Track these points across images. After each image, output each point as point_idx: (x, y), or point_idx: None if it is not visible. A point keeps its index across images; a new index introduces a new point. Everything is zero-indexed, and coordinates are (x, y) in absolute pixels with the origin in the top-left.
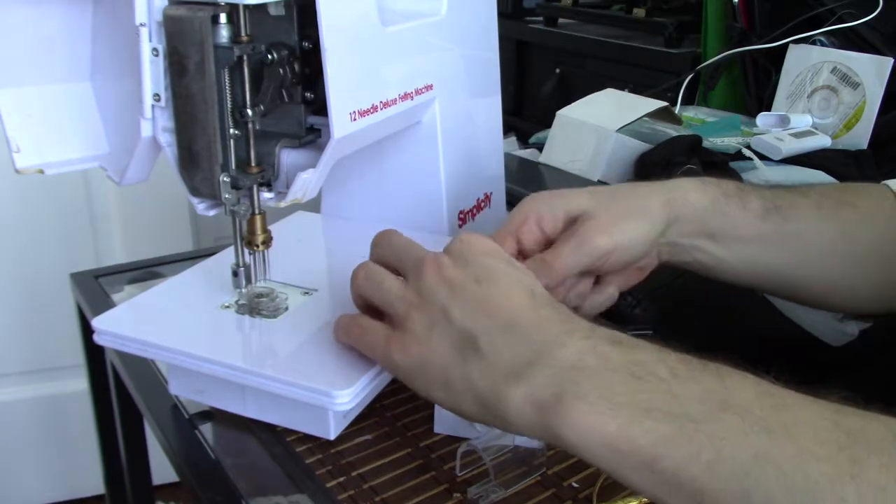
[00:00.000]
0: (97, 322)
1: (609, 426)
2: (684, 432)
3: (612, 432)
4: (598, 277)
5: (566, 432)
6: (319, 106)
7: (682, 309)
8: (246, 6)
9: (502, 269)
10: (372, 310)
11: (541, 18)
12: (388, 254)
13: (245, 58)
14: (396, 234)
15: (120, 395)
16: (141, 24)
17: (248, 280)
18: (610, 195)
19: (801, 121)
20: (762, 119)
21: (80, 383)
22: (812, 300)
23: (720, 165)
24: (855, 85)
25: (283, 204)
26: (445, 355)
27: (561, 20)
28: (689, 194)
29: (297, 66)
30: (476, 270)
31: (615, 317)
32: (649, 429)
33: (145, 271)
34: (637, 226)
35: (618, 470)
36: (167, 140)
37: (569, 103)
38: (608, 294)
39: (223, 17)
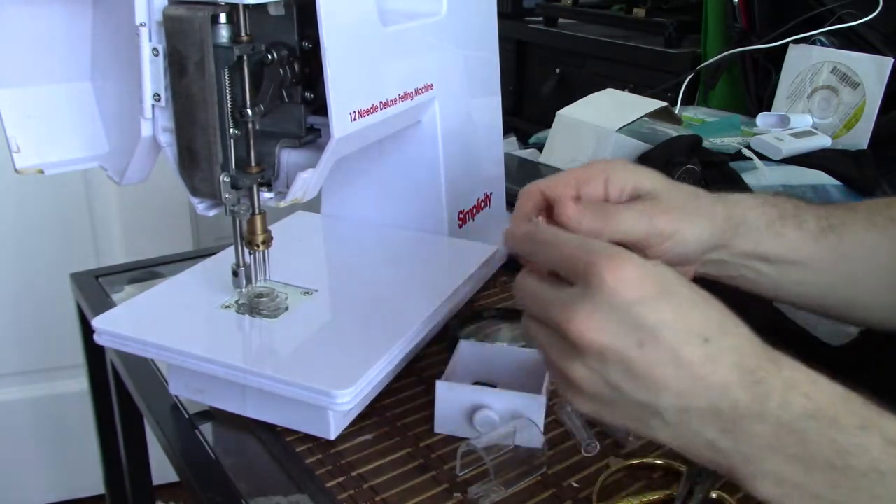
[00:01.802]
0: (97, 322)
1: None
2: None
3: None
4: None
5: (758, 493)
6: (319, 106)
7: None
8: (246, 6)
9: (661, 321)
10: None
11: (541, 18)
12: (525, 301)
13: (245, 58)
14: (528, 281)
15: (120, 395)
16: (141, 24)
17: (249, 280)
18: (679, 188)
19: (801, 121)
20: (762, 119)
21: (80, 383)
22: (858, 318)
23: (720, 165)
24: (855, 85)
25: (283, 204)
26: (629, 421)
27: (561, 20)
28: (749, 213)
29: (297, 66)
30: (632, 331)
31: None
32: None
33: (145, 271)
34: (700, 224)
35: None
36: (167, 140)
37: (569, 103)
38: None
39: (223, 17)
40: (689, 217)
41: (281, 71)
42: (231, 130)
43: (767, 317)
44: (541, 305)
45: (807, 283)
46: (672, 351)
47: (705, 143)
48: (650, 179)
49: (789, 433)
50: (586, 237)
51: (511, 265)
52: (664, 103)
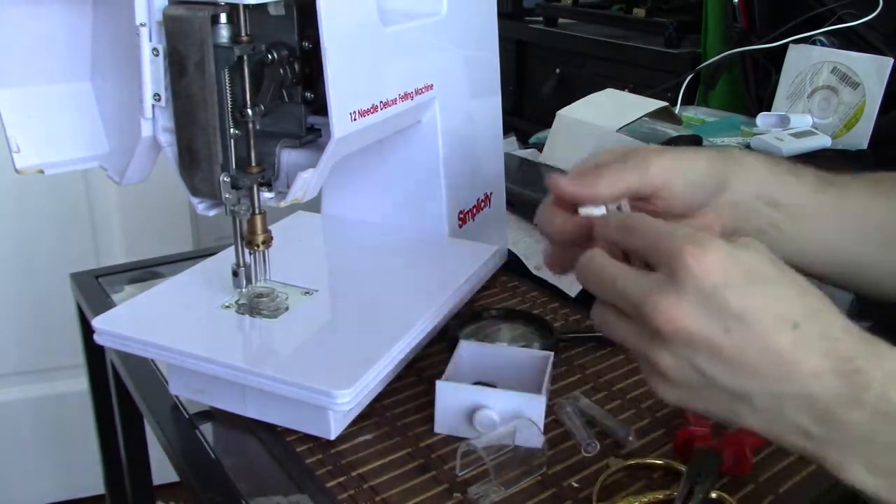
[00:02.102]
0: (97, 322)
1: (883, 493)
2: None
3: (884, 495)
4: None
5: (848, 479)
6: (319, 106)
7: None
8: (246, 6)
9: (748, 305)
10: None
11: (541, 18)
12: (604, 290)
13: (245, 58)
14: (605, 264)
15: (120, 395)
16: (141, 24)
17: (249, 280)
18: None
19: (801, 121)
20: (762, 119)
21: (80, 383)
22: (871, 285)
23: None
24: (855, 85)
25: (283, 204)
26: (717, 407)
27: (561, 20)
28: (745, 157)
29: (297, 66)
30: (719, 316)
31: None
32: None
33: (145, 271)
34: (694, 160)
35: None
36: (167, 140)
37: (569, 103)
38: None
39: (223, 17)
40: (682, 154)
41: (281, 71)
42: (231, 130)
43: None
44: (620, 292)
45: (820, 241)
46: (760, 337)
47: (705, 143)
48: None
49: (886, 422)
50: (665, 223)
51: (511, 265)
52: (664, 103)
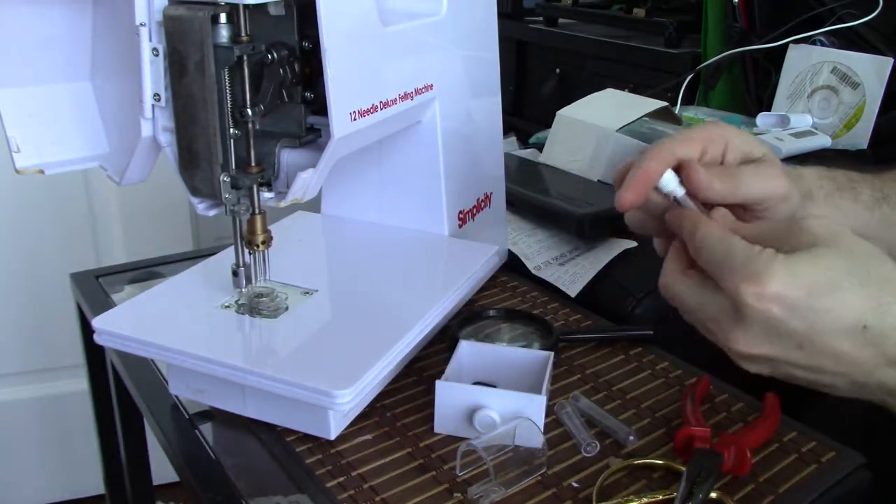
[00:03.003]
0: (97, 322)
1: None
2: None
3: None
4: None
5: None
6: (319, 106)
7: None
8: (246, 6)
9: (814, 325)
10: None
11: (541, 18)
12: (687, 305)
13: (245, 58)
14: (676, 282)
15: (120, 395)
16: (141, 24)
17: (248, 280)
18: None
19: (801, 121)
20: (762, 119)
21: (80, 383)
22: None
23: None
24: (855, 85)
25: (283, 204)
26: (799, 378)
27: (561, 20)
28: (812, 186)
29: (297, 66)
30: (791, 338)
31: (615, 316)
32: None
33: (145, 271)
34: (795, 190)
35: None
36: (167, 140)
37: (569, 103)
38: None
39: (223, 17)
40: (792, 182)
41: (281, 71)
42: (231, 130)
43: None
44: (697, 313)
45: None
46: (829, 348)
47: None
48: (760, 146)
49: None
50: (724, 231)
51: (511, 265)
52: (664, 103)
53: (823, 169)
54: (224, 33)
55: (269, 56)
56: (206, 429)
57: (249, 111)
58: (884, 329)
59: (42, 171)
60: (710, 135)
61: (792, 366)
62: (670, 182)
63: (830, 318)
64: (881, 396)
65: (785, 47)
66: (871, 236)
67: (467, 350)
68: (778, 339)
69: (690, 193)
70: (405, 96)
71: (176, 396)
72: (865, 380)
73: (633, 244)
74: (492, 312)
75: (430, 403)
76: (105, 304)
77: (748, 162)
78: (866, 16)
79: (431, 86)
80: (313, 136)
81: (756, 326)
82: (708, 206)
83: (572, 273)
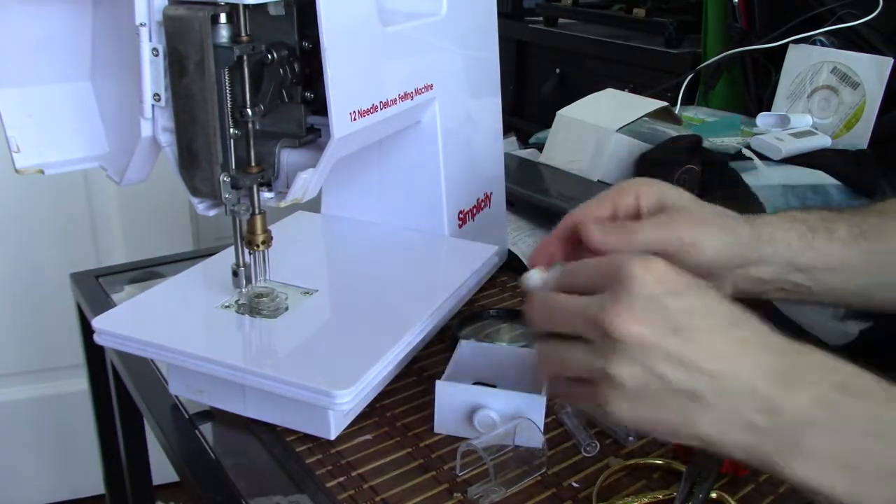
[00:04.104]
0: (97, 322)
1: (842, 486)
2: None
3: (844, 492)
4: None
5: (796, 480)
6: (319, 106)
7: None
8: (246, 6)
9: (693, 307)
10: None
11: (541, 18)
12: (556, 321)
13: (245, 58)
14: (552, 297)
15: (120, 395)
16: (141, 24)
17: (248, 280)
18: (705, 205)
19: (801, 121)
20: (762, 119)
21: (80, 383)
22: None
23: (720, 165)
24: (855, 85)
25: (283, 204)
26: (671, 415)
27: (561, 20)
28: (777, 232)
29: (297, 66)
30: (666, 318)
31: None
32: (882, 494)
33: (145, 271)
34: (721, 238)
35: None
36: (167, 140)
37: (569, 103)
38: None
39: (223, 17)
40: (711, 229)
41: (281, 71)
42: (231, 130)
43: (767, 316)
44: (573, 314)
45: (846, 289)
46: (705, 334)
47: (705, 143)
48: (675, 193)
49: (824, 406)
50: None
51: (511, 265)
52: (664, 103)
53: (795, 212)
54: (224, 33)
55: (269, 56)
56: (206, 429)
57: (249, 111)
58: (748, 331)
59: (42, 171)
60: (619, 190)
61: (665, 360)
62: (531, 278)
63: (704, 306)
64: (744, 413)
65: (785, 47)
66: (856, 270)
67: (467, 350)
68: (656, 317)
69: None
70: (405, 96)
71: (176, 396)
72: (734, 384)
73: None
74: (492, 312)
75: (430, 403)
76: (105, 304)
77: (662, 209)
78: (866, 16)
79: (431, 86)
80: (313, 136)
81: (638, 299)
82: None
83: None
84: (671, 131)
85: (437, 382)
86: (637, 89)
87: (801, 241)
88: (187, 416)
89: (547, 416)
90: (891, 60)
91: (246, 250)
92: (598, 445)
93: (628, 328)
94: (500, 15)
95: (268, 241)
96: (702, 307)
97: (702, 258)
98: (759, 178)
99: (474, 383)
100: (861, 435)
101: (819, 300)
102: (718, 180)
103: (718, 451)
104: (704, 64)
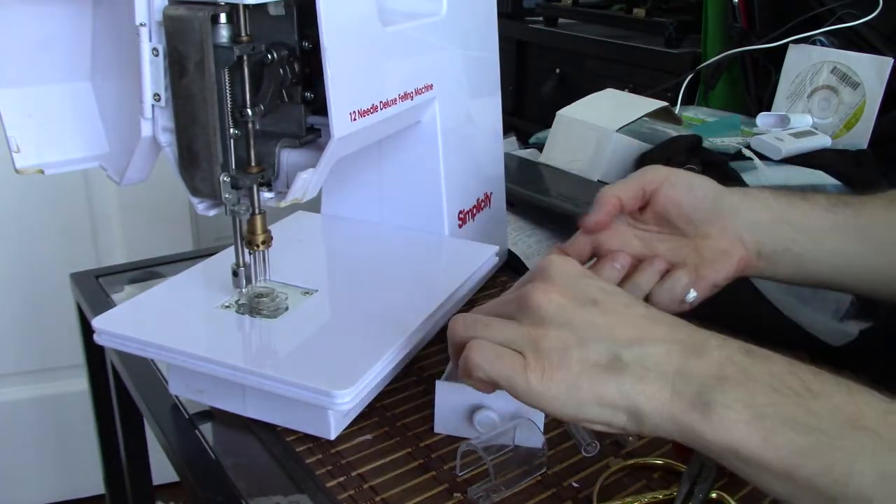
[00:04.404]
0: (97, 322)
1: (754, 436)
2: (820, 446)
3: (757, 442)
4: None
5: (711, 438)
6: (319, 106)
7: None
8: (246, 6)
9: (608, 288)
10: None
11: (541, 18)
12: (486, 313)
13: (245, 58)
14: (482, 309)
15: (120, 395)
16: (141, 24)
17: (248, 280)
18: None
19: (801, 121)
20: (762, 119)
21: (80, 383)
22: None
23: (720, 165)
24: (855, 85)
25: (283, 204)
26: (594, 374)
27: (561, 20)
28: (745, 188)
29: (297, 66)
30: (586, 292)
31: None
32: (790, 440)
33: (145, 271)
34: (699, 181)
35: (756, 475)
36: (167, 140)
37: (569, 103)
38: (679, 281)
39: (223, 17)
40: (686, 174)
41: (281, 71)
42: (231, 130)
43: (767, 316)
44: (501, 305)
45: (840, 256)
46: (619, 307)
47: (705, 143)
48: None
49: (731, 364)
50: None
51: (511, 265)
52: (664, 103)
53: (773, 189)
54: (224, 33)
55: (269, 56)
56: (206, 429)
57: (249, 111)
58: (660, 314)
59: (42, 171)
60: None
61: (585, 326)
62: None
63: (617, 292)
64: (662, 368)
65: (785, 47)
66: (844, 238)
67: None
68: (575, 291)
69: None
70: (405, 96)
71: (176, 396)
72: (649, 346)
73: None
74: None
75: (430, 403)
76: (105, 304)
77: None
78: (866, 16)
79: (431, 86)
80: (313, 136)
81: (559, 278)
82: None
83: None
84: (671, 131)
85: (438, 382)
86: (637, 89)
87: (778, 200)
88: (187, 416)
89: (547, 416)
90: (891, 60)
91: (246, 250)
92: (598, 445)
93: (550, 299)
94: (500, 15)
95: (268, 241)
96: (614, 290)
97: (680, 192)
98: (759, 178)
99: None
100: (767, 388)
101: (825, 273)
102: (718, 180)
103: (650, 430)
104: (704, 64)
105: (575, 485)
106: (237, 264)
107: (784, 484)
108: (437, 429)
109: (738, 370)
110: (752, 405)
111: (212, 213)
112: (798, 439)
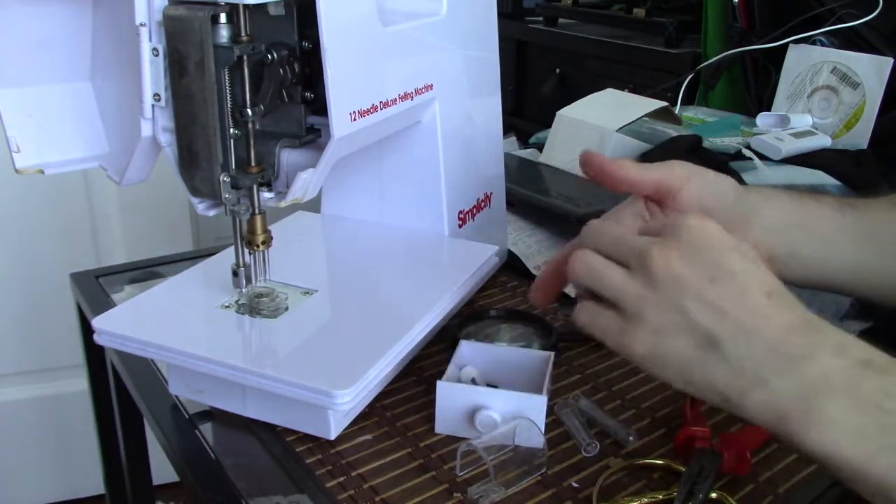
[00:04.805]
0: (97, 322)
1: (853, 450)
2: None
3: (856, 456)
4: None
5: (806, 443)
6: (319, 106)
7: None
8: (246, 6)
9: (735, 266)
10: (591, 293)
11: (541, 18)
12: (607, 242)
13: (245, 58)
14: (611, 225)
15: (120, 395)
16: (141, 24)
17: (248, 280)
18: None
19: (801, 121)
20: (762, 119)
21: (80, 383)
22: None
23: (720, 166)
24: (855, 85)
25: (283, 204)
26: (685, 352)
27: (561, 20)
28: (760, 188)
29: (297, 66)
30: (708, 267)
31: None
32: (892, 464)
33: (145, 271)
34: (721, 181)
35: (852, 483)
36: (167, 140)
37: (569, 103)
38: None
39: (223, 17)
40: (704, 172)
41: (281, 71)
42: (231, 130)
43: None
44: (624, 241)
45: (847, 259)
46: (740, 291)
47: (705, 143)
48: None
49: (840, 374)
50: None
51: (511, 265)
52: (664, 103)
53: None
54: (224, 33)
55: (269, 56)
56: (206, 429)
57: (249, 111)
58: (782, 301)
59: (42, 171)
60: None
61: (694, 300)
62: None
63: (747, 269)
64: (759, 369)
65: (785, 47)
66: (850, 240)
67: (467, 350)
68: (698, 264)
69: None
70: (405, 96)
71: (176, 396)
72: (757, 338)
73: None
74: (492, 312)
75: (430, 403)
76: (105, 304)
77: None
78: (866, 16)
79: (431, 86)
80: (313, 136)
81: (686, 244)
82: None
83: None
84: (671, 131)
85: (439, 383)
86: (637, 89)
87: (793, 201)
88: (187, 416)
89: (547, 416)
90: (891, 60)
91: (246, 250)
92: (598, 445)
93: (670, 266)
94: (500, 15)
95: (268, 241)
96: (742, 269)
97: (696, 193)
98: (759, 178)
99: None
100: (876, 407)
101: (832, 277)
102: None
103: (731, 408)
104: (704, 64)
105: (575, 485)
106: (237, 264)
107: (882, 497)
108: (437, 429)
109: (848, 382)
110: (857, 422)
111: (212, 213)
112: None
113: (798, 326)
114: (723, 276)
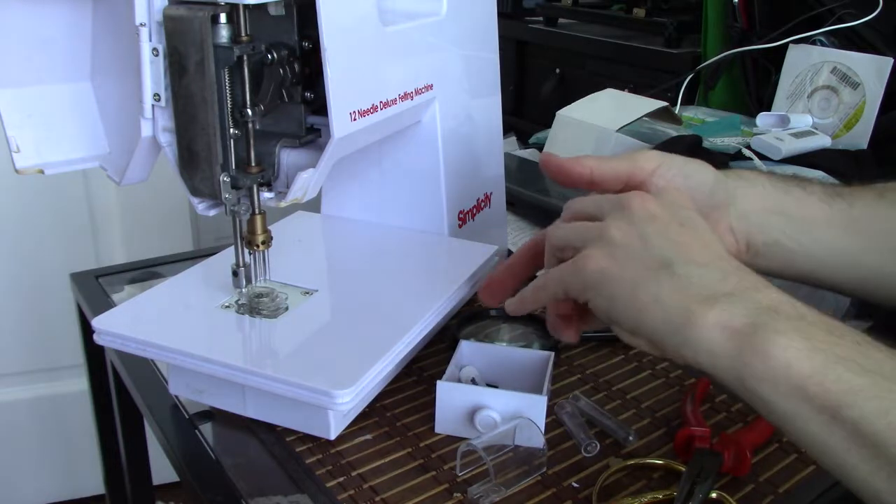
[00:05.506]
0: (97, 322)
1: (803, 364)
2: (876, 388)
3: (805, 371)
4: None
5: (756, 362)
6: (319, 106)
7: None
8: (246, 6)
9: (703, 224)
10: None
11: (541, 18)
12: (586, 202)
13: (245, 58)
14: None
15: (120, 395)
16: (141, 24)
17: (248, 280)
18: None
19: (801, 121)
20: (762, 119)
21: (80, 383)
22: (885, 294)
23: (720, 166)
24: (855, 85)
25: (283, 204)
26: (636, 271)
27: (561, 20)
28: (743, 173)
29: (297, 66)
30: (680, 215)
31: None
32: (842, 376)
33: (145, 271)
34: (695, 168)
35: (795, 411)
36: (167, 140)
37: (569, 103)
38: None
39: (223, 17)
40: (676, 158)
41: (281, 71)
42: (231, 130)
43: None
44: (600, 200)
45: (833, 251)
46: (704, 237)
47: (705, 143)
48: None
49: (789, 306)
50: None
51: None
52: (664, 103)
53: (768, 172)
54: (224, 33)
55: (269, 56)
56: (206, 429)
57: (249, 111)
58: (740, 264)
59: (42, 171)
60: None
61: (657, 232)
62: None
63: (706, 227)
64: (708, 286)
65: (785, 47)
66: (837, 232)
67: (467, 350)
68: (671, 210)
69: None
70: (405, 96)
71: (176, 396)
72: (710, 270)
73: None
74: (492, 312)
75: (430, 403)
76: (105, 304)
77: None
78: (866, 16)
79: (431, 86)
80: (313, 136)
81: (663, 196)
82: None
83: None
84: (671, 131)
85: (439, 383)
86: (637, 89)
87: (776, 188)
88: (187, 416)
89: (547, 416)
90: (891, 60)
91: (246, 250)
92: (598, 445)
93: (646, 206)
94: (500, 15)
95: (268, 242)
96: (705, 228)
97: (672, 180)
98: None
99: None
100: (823, 330)
101: (816, 270)
102: None
103: (672, 345)
104: (704, 64)
105: (575, 485)
106: (237, 264)
107: (823, 425)
108: (437, 429)
109: (796, 310)
110: (806, 338)
111: (212, 213)
112: (852, 378)
113: (751, 273)
114: (691, 224)
